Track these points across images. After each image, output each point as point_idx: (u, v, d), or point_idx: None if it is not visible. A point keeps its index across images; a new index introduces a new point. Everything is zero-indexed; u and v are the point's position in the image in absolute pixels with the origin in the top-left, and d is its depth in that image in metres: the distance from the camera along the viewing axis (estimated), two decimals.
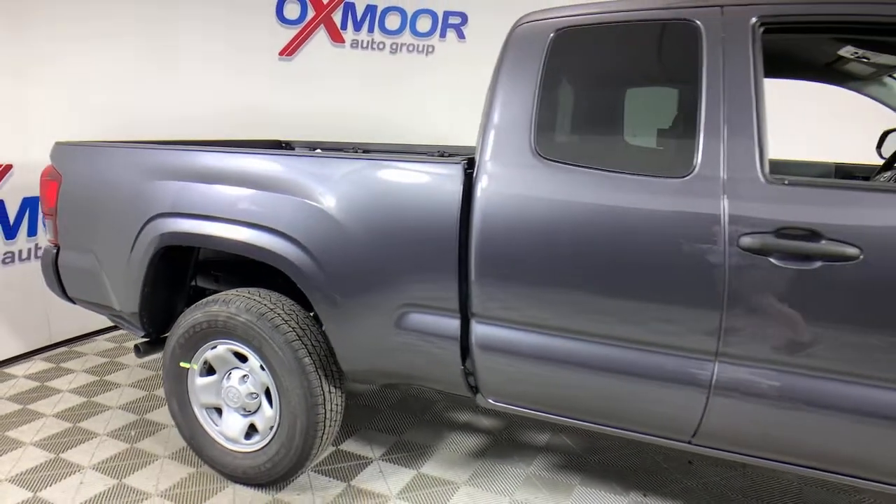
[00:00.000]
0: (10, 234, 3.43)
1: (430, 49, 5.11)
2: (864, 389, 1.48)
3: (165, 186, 2.28)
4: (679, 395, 1.64)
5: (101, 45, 3.78)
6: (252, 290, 2.28)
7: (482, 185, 1.82)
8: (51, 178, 2.60)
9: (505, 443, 2.69)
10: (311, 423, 2.14)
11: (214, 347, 2.27)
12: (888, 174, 2.34)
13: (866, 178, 2.60)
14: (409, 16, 5.21)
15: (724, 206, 1.55)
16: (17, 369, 3.41)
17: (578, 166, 1.74)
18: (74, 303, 2.72)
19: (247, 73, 4.79)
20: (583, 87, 1.90)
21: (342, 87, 5.12)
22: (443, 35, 5.24)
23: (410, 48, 5.18)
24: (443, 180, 1.86)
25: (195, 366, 2.32)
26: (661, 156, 1.71)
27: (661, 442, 1.76)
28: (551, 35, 1.81)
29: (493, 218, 1.79)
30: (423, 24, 5.24)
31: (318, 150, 2.55)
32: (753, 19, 1.60)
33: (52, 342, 3.72)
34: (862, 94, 2.63)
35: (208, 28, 4.50)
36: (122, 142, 2.67)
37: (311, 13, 5.06)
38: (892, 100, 2.52)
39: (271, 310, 2.17)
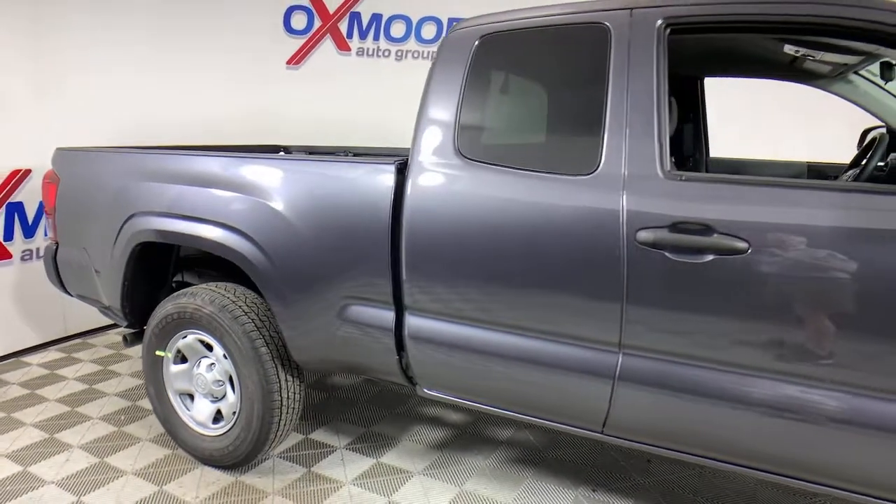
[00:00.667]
0: (29, 232, 3.72)
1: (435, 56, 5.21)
2: (757, 380, 1.51)
3: (141, 187, 2.46)
4: (587, 384, 1.70)
5: (117, 57, 4.05)
6: (219, 284, 2.44)
7: (411, 185, 1.92)
8: (51, 180, 2.84)
9: (468, 436, 2.77)
10: (267, 409, 2.28)
11: (185, 337, 2.44)
12: (849, 172, 2.33)
13: (836, 177, 2.57)
14: (415, 23, 5.34)
15: (623, 202, 1.60)
16: (33, 358, 3.68)
17: (497, 165, 1.82)
18: (72, 295, 2.95)
19: (256, 82, 5.01)
20: (502, 90, 1.98)
21: (348, 94, 5.28)
22: None
23: (416, 55, 5.31)
24: (377, 180, 1.97)
25: (169, 354, 2.49)
26: (570, 154, 1.77)
27: (577, 432, 1.81)
28: (476, 42, 1.90)
29: (421, 215, 1.89)
30: (428, 31, 5.37)
31: (282, 153, 2.68)
32: (659, 21, 1.65)
33: (67, 334, 3.99)
34: (829, 92, 2.61)
35: (219, 39, 4.74)
36: (110, 147, 2.88)
37: (317, 23, 5.25)
38: (858, 97, 2.49)
39: (233, 302, 2.32)
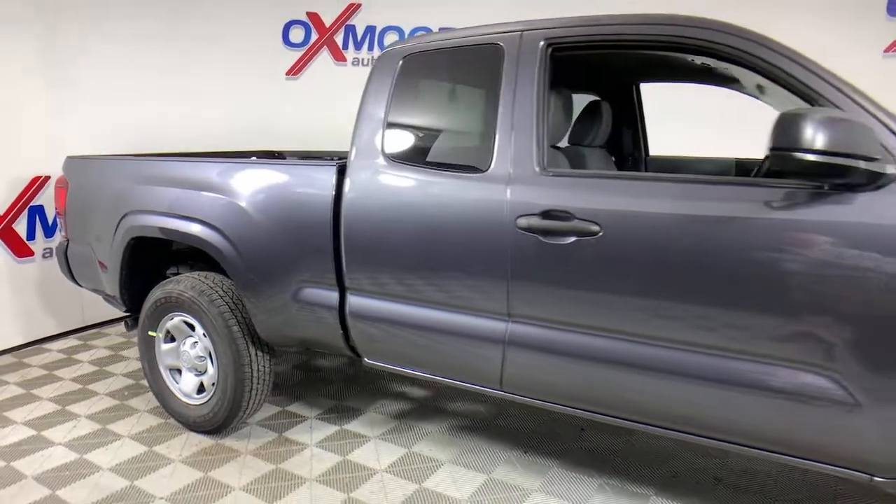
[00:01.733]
0: (49, 232, 4.17)
1: None
2: (616, 342, 1.79)
3: (134, 189, 2.85)
4: (484, 348, 2.01)
5: (128, 72, 4.48)
6: (200, 273, 2.81)
7: (348, 183, 2.25)
8: (62, 185, 3.25)
9: (425, 408, 3.09)
10: (239, 381, 2.63)
11: (172, 318, 2.81)
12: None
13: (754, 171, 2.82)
14: (407, 34, 5.67)
15: (508, 195, 1.91)
16: (53, 345, 4.13)
17: (415, 165, 2.14)
18: (80, 286, 3.37)
19: (257, 92, 5.41)
20: (420, 100, 2.30)
21: (344, 102, 5.63)
22: None
23: None
24: (321, 179, 2.31)
25: (160, 334, 2.87)
26: (471, 156, 2.07)
27: (483, 390, 2.12)
28: (400, 61, 2.23)
29: (355, 209, 2.22)
30: None
31: (254, 158, 3.04)
32: (542, 42, 1.96)
33: (85, 324, 4.44)
34: (745, 94, 2.86)
35: (223, 53, 5.15)
36: (111, 155, 3.28)
37: (314, 36, 5.63)
38: (766, 98, 2.74)
39: (210, 288, 2.68)
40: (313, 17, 5.62)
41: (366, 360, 2.41)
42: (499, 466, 2.52)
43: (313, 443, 2.76)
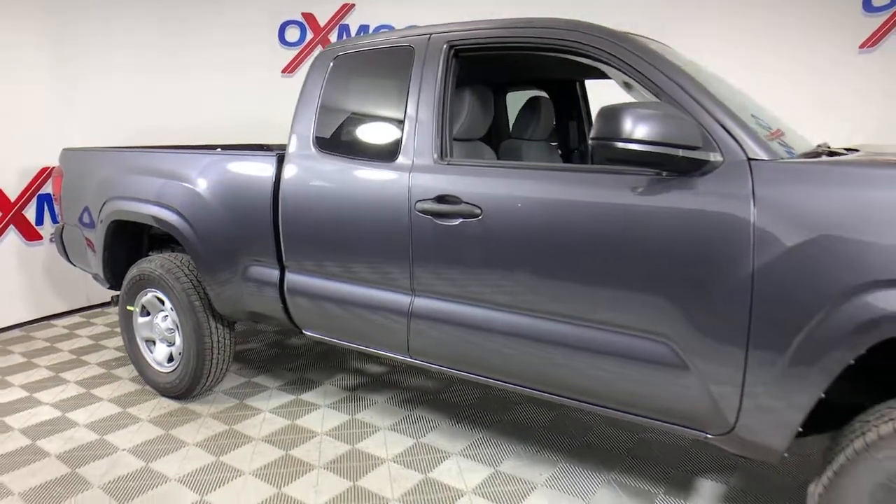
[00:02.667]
0: (56, 218, 4.54)
1: None
2: (498, 313, 2.00)
3: (114, 178, 3.16)
4: (393, 319, 2.24)
5: (129, 70, 4.84)
6: (170, 253, 3.11)
7: (285, 172, 2.51)
8: (57, 174, 3.60)
9: (379, 383, 3.33)
10: (200, 350, 2.92)
11: (146, 294, 3.12)
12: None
13: None
14: None
15: (410, 182, 2.13)
16: (59, 322, 4.51)
17: (340, 156, 2.38)
18: (74, 265, 3.71)
19: (254, 89, 5.72)
20: (346, 97, 2.53)
21: None
22: None
23: None
24: (263, 168, 2.57)
25: (136, 308, 3.18)
26: (384, 147, 2.29)
27: (395, 357, 2.35)
28: (331, 61, 2.47)
29: (290, 195, 2.48)
30: None
31: (219, 149, 3.32)
32: (445, 45, 2.17)
33: (89, 304, 4.82)
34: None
35: (220, 52, 5.47)
36: (98, 147, 3.61)
37: (309, 35, 5.91)
38: (633, 94, 2.86)
39: (177, 267, 2.97)
40: (308, 17, 5.90)
41: (304, 331, 2.67)
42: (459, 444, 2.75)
43: (268, 409, 3.03)
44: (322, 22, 5.92)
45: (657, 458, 2.55)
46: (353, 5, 5.88)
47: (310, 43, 5.92)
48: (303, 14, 5.89)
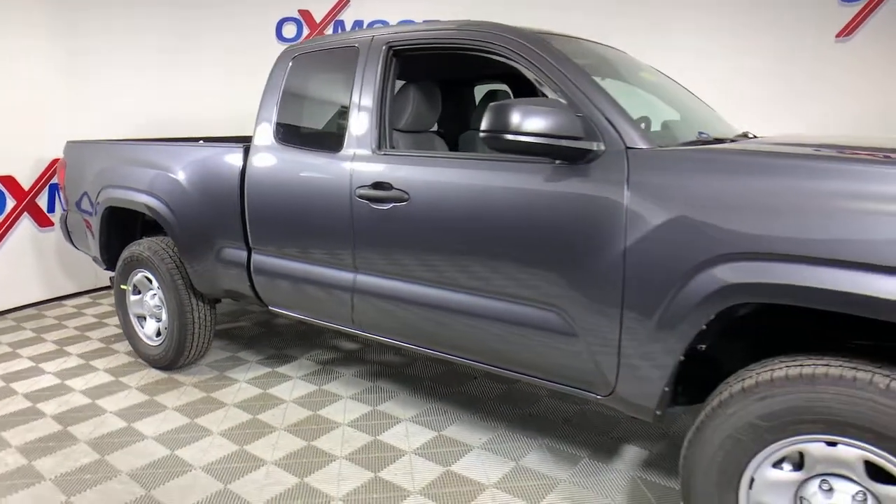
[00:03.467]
0: (63, 206, 4.89)
1: None
2: (428, 288, 2.22)
3: (109, 168, 3.45)
4: (339, 294, 2.48)
5: (135, 67, 5.15)
6: (158, 237, 3.39)
7: (250, 162, 2.76)
8: (62, 165, 3.91)
9: (351, 358, 3.58)
10: (182, 325, 3.20)
11: (137, 274, 3.41)
12: None
13: None
14: None
15: (351, 170, 2.35)
16: (69, 302, 4.87)
17: (296, 147, 2.62)
18: (77, 248, 4.03)
19: (251, 84, 5.95)
20: (302, 93, 2.76)
21: None
22: None
23: None
24: (231, 159, 2.83)
25: (129, 287, 3.48)
26: (332, 139, 2.51)
27: (340, 328, 2.59)
28: (291, 61, 2.71)
29: (254, 183, 2.73)
30: None
31: (201, 141, 3.57)
32: (384, 46, 2.38)
33: (98, 286, 5.17)
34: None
35: (220, 48, 5.74)
36: (96, 140, 3.91)
37: (305, 31, 6.14)
38: (543, 90, 2.99)
39: (163, 249, 3.26)
40: (305, 14, 6.13)
41: (270, 307, 2.93)
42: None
43: (244, 380, 3.31)
44: (318, 18, 6.14)
45: (591, 427, 2.75)
46: (348, 1, 6.09)
47: (306, 38, 6.16)
48: (299, 11, 6.12)
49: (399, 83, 2.56)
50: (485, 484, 2.30)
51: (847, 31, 4.71)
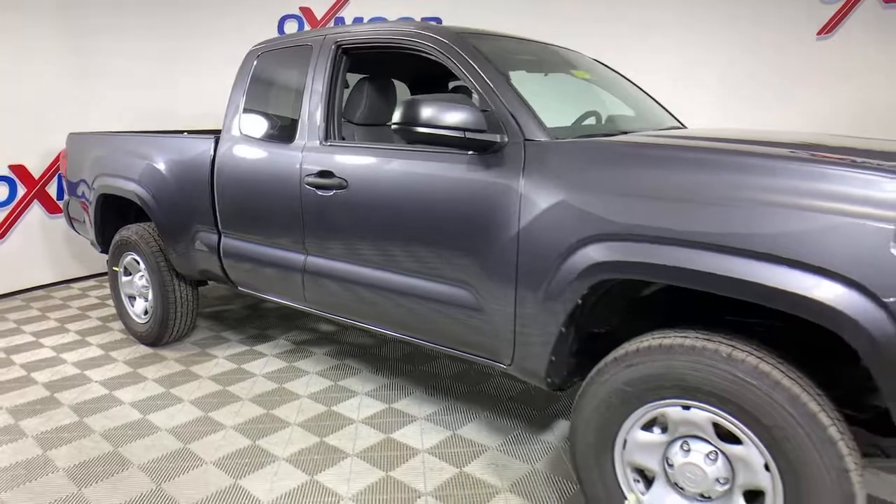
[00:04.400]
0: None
1: None
2: (361, 268, 2.42)
3: (102, 157, 3.73)
4: (292, 274, 2.69)
5: (139, 62, 5.44)
6: (145, 222, 3.66)
7: (219, 152, 2.99)
8: (64, 155, 4.22)
9: (322, 339, 3.81)
10: (165, 304, 3.47)
11: (127, 257, 3.69)
12: None
13: None
14: None
15: (301, 160, 2.56)
16: (76, 284, 5.21)
17: (255, 138, 2.84)
18: (78, 233, 4.34)
19: None
20: (264, 89, 2.97)
21: None
22: None
23: None
24: (204, 148, 3.06)
25: (120, 269, 3.76)
26: (287, 132, 2.71)
27: (296, 306, 2.81)
28: (255, 59, 2.93)
29: (222, 171, 2.96)
30: None
31: (185, 133, 3.82)
32: (334, 45, 2.58)
33: (105, 270, 5.49)
34: None
35: (222, 43, 5.98)
36: (92, 132, 4.19)
37: (306, 27, 6.38)
38: None
39: (148, 234, 3.52)
40: (306, 11, 6.36)
41: (238, 288, 3.16)
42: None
43: (222, 356, 3.56)
44: (319, 15, 6.37)
45: (532, 403, 2.92)
46: None
47: None
48: (300, 8, 6.35)
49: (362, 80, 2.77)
50: (418, 449, 2.50)
51: (828, 28, 4.74)
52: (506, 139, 1.98)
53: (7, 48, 4.68)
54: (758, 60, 5.02)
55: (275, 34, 6.42)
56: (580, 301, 1.78)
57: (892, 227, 1.34)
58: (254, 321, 4.19)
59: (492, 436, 2.62)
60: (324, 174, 2.47)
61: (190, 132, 3.82)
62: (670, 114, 3.14)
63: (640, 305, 2.05)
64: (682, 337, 1.64)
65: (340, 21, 6.37)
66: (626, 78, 3.25)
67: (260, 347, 3.69)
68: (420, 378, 3.21)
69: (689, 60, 5.28)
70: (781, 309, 1.48)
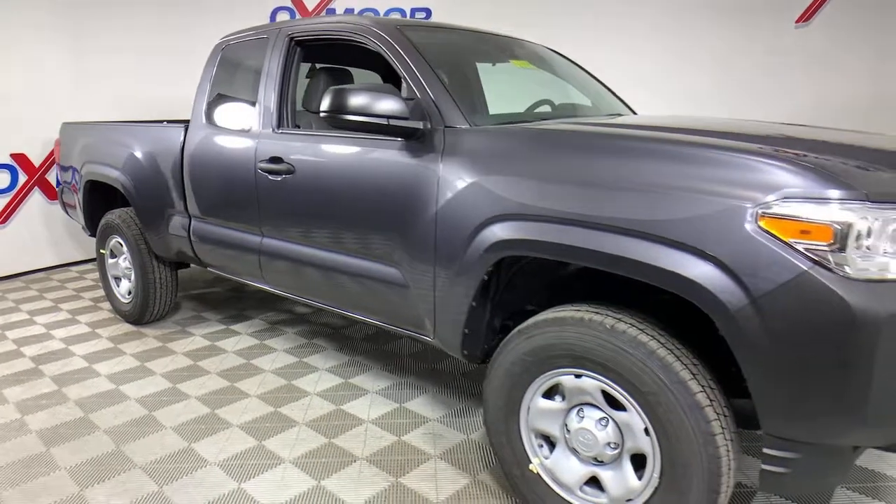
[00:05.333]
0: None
1: None
2: (307, 248, 2.57)
3: (89, 145, 3.93)
4: (250, 254, 2.86)
5: (136, 52, 5.64)
6: (128, 207, 3.85)
7: (187, 140, 3.16)
8: (57, 144, 4.43)
9: (296, 320, 3.99)
10: (145, 284, 3.66)
11: (112, 240, 3.90)
12: None
13: None
14: (382, 14, 6.44)
15: (256, 147, 2.72)
16: (75, 268, 5.45)
17: (218, 126, 3.00)
18: (72, 218, 4.56)
19: None
20: (227, 80, 3.12)
21: None
22: None
23: None
24: (175, 137, 3.23)
25: (106, 251, 3.97)
26: (246, 120, 2.86)
27: (256, 284, 2.98)
28: (220, 51, 3.08)
29: (191, 158, 3.13)
30: None
31: (164, 123, 4.00)
32: (286, 37, 2.73)
33: None
34: None
35: (214, 35, 6.17)
36: (82, 122, 4.39)
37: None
38: None
39: (130, 218, 3.72)
40: (297, 2, 6.50)
41: (208, 268, 3.34)
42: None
43: (199, 334, 3.75)
44: (310, 7, 6.50)
45: (481, 380, 3.06)
46: None
47: None
48: (292, 0, 6.50)
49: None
50: (363, 419, 2.66)
51: (806, 16, 4.76)
52: (429, 126, 2.11)
53: (9, 42, 4.90)
54: (736, 49, 5.05)
55: None
56: (486, 277, 1.91)
57: (749, 206, 1.44)
58: (234, 303, 4.38)
59: (435, 409, 2.77)
60: (274, 160, 2.62)
61: (169, 122, 3.99)
62: (623, 102, 3.23)
63: (564, 285, 2.17)
64: (573, 310, 1.76)
65: (331, 12, 6.50)
66: (583, 69, 3.34)
67: (236, 326, 3.88)
68: (380, 356, 3.37)
69: (664, 49, 5.33)
70: (656, 284, 1.59)
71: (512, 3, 5.88)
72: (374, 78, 3.64)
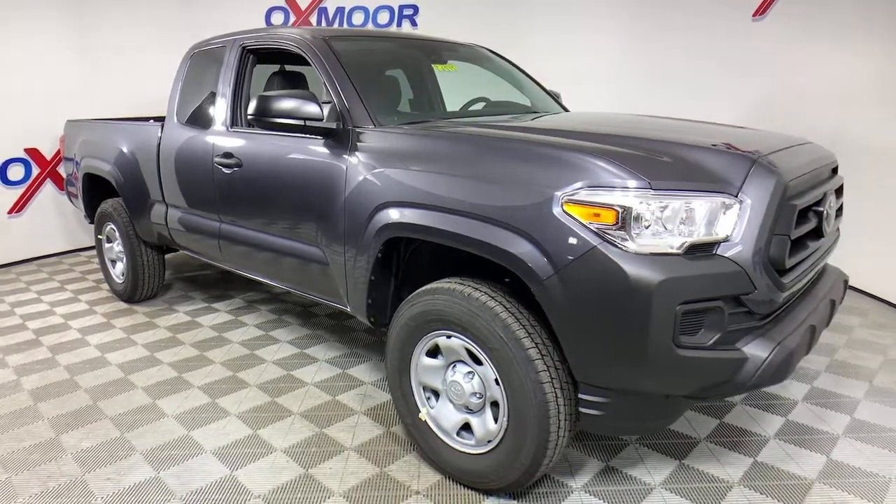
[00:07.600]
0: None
1: None
2: (252, 232, 2.95)
3: (87, 140, 4.37)
4: (210, 238, 3.25)
5: (140, 50, 6.08)
6: (119, 198, 4.29)
7: (162, 136, 3.56)
8: (62, 139, 4.89)
9: (271, 300, 4.38)
10: (134, 267, 4.10)
11: (107, 227, 4.34)
12: None
13: None
14: (371, 12, 6.77)
15: (214, 142, 3.09)
16: (84, 253, 5.95)
17: (189, 125, 3.39)
18: (76, 207, 5.03)
19: None
20: (194, 82, 3.49)
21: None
22: (399, 24, 6.75)
23: None
24: (153, 133, 3.64)
25: (103, 237, 4.42)
26: (207, 118, 3.24)
27: (216, 264, 3.37)
28: (190, 57, 3.46)
29: (164, 153, 3.52)
30: (383, 17, 6.78)
31: (151, 120, 4.40)
32: (240, 46, 3.09)
33: None
34: None
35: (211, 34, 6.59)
36: (82, 119, 4.84)
37: (292, 18, 6.87)
38: None
39: (121, 207, 4.15)
40: (291, 2, 6.86)
41: (182, 250, 3.75)
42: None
43: (183, 311, 4.18)
44: (303, 6, 6.86)
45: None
46: None
47: (293, 24, 6.90)
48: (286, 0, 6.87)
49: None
50: (307, 382, 3.04)
51: (762, 9, 4.91)
52: (341, 126, 2.45)
53: (23, 42, 5.37)
54: (693, 44, 5.22)
55: (262, 25, 6.99)
56: (380, 255, 2.25)
57: (559, 194, 1.75)
58: (221, 284, 4.80)
59: (373, 375, 3.13)
60: (227, 155, 2.99)
61: (156, 119, 4.41)
62: (556, 100, 3.52)
63: (456, 266, 2.49)
64: (445, 283, 2.09)
65: (323, 11, 6.84)
66: (521, 70, 3.63)
67: (217, 305, 4.29)
68: (338, 330, 3.74)
69: (620, 42, 5.53)
70: (496, 261, 1.90)
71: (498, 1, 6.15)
72: None
